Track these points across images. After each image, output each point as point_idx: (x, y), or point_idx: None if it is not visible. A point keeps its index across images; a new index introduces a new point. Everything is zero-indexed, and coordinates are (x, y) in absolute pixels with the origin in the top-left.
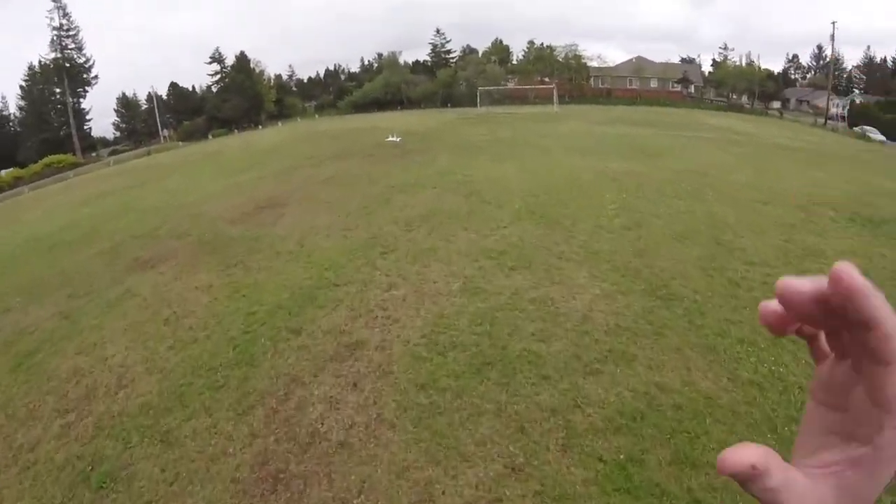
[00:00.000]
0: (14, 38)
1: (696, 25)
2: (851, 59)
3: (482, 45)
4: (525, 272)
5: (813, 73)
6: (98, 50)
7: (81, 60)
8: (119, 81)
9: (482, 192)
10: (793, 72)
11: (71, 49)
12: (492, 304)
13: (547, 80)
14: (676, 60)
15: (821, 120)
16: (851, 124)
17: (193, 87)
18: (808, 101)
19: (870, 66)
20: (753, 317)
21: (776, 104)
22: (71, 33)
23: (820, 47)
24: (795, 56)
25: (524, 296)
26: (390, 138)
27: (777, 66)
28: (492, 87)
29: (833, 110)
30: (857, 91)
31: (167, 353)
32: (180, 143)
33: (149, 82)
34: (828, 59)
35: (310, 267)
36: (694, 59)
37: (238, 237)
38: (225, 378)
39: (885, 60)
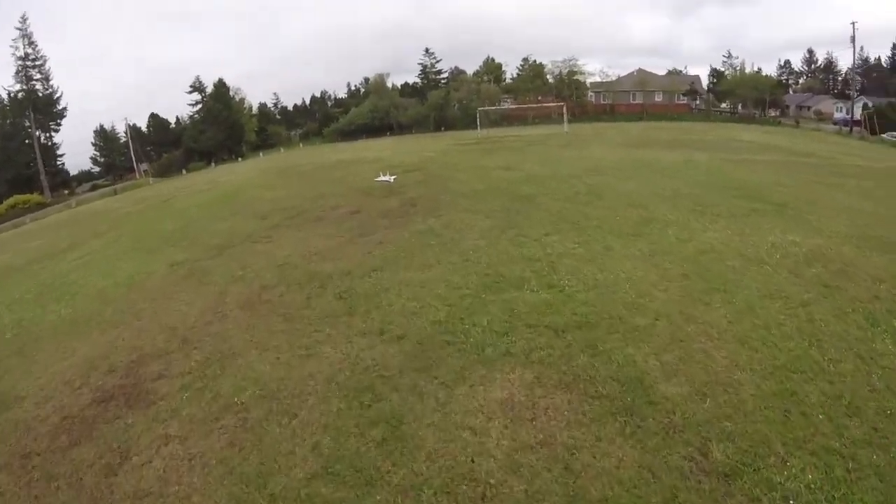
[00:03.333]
0: None
1: (679, 38)
2: (844, 60)
3: (470, 67)
4: None
5: (805, 77)
6: (83, 82)
7: (48, 92)
8: (104, 114)
9: (649, 377)
10: (786, 77)
11: (37, 80)
12: None
13: (540, 97)
14: (663, 73)
15: (831, 126)
16: (875, 130)
17: (178, 119)
18: (808, 107)
19: (866, 67)
20: None
21: (773, 112)
22: (37, 63)
23: (811, 51)
24: (787, 62)
25: None
26: (381, 178)
27: (767, 73)
28: (491, 108)
29: (837, 115)
30: (853, 93)
31: None
32: (151, 179)
33: (134, 114)
34: (819, 63)
35: None
36: (681, 70)
37: None
38: None
39: (879, 60)
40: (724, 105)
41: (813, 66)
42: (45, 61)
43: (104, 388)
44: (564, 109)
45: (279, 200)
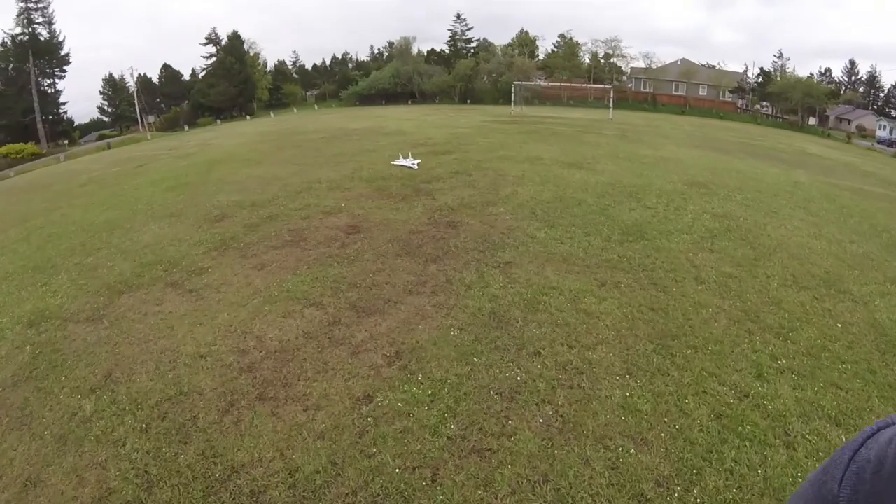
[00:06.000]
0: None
1: (710, 31)
2: (888, 76)
3: (498, 41)
4: None
5: (845, 89)
6: (101, 30)
7: (50, 37)
8: (120, 63)
9: None
10: (827, 85)
11: (39, 23)
12: None
13: (571, 79)
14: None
15: (887, 149)
16: None
17: (193, 71)
18: (848, 120)
19: None
20: None
21: (812, 121)
22: (40, 6)
23: (853, 62)
24: (828, 70)
25: None
26: (401, 161)
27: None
28: (528, 83)
29: (881, 133)
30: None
31: None
32: (150, 134)
33: (148, 65)
34: (861, 76)
35: None
36: (714, 65)
37: None
38: None
39: None
40: (758, 107)
41: (854, 77)
42: (48, 4)
43: None
44: (611, 94)
45: (256, 186)
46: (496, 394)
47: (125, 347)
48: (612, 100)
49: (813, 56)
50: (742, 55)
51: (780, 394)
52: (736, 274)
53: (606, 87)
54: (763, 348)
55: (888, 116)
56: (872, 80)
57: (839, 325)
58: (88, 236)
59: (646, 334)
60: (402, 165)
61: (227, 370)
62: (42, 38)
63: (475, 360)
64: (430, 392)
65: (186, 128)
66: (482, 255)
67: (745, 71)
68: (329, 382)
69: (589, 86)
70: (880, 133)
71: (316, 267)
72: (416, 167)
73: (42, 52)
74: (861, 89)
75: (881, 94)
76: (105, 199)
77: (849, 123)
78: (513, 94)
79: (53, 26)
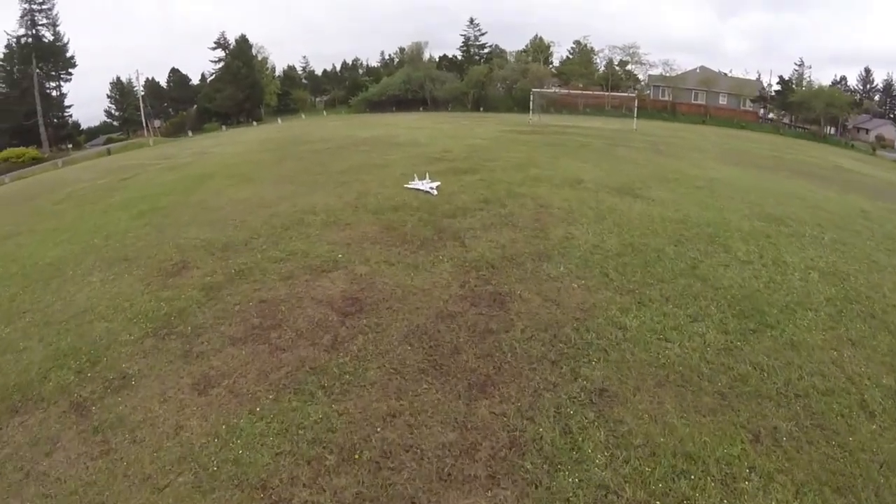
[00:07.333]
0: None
1: (720, 38)
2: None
3: (510, 48)
4: None
5: (860, 97)
6: (114, 32)
7: (54, 39)
8: (129, 67)
9: None
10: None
11: (42, 25)
12: None
13: (583, 86)
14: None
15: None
16: None
17: (203, 76)
18: (866, 130)
19: None
20: None
21: (832, 131)
22: (44, 7)
23: (868, 70)
24: (843, 78)
25: None
26: (416, 184)
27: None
28: (548, 91)
29: None
30: None
31: None
32: (152, 140)
33: (157, 69)
34: (876, 84)
35: None
36: (726, 73)
37: None
38: None
39: None
40: (772, 116)
41: (869, 86)
42: (52, 6)
43: None
44: (635, 103)
45: (236, 216)
46: None
47: None
48: (636, 109)
49: (825, 64)
50: (749, 62)
51: None
52: None
53: (629, 95)
54: None
55: None
56: (889, 87)
57: None
58: (22, 287)
59: None
60: (417, 189)
61: None
62: (46, 41)
63: None
64: None
65: (190, 133)
66: (557, 373)
67: (759, 78)
68: None
69: (609, 94)
70: None
71: (287, 397)
72: (435, 192)
73: (46, 55)
74: (877, 97)
75: None
76: (69, 224)
77: (867, 133)
78: (531, 102)
79: (58, 28)
